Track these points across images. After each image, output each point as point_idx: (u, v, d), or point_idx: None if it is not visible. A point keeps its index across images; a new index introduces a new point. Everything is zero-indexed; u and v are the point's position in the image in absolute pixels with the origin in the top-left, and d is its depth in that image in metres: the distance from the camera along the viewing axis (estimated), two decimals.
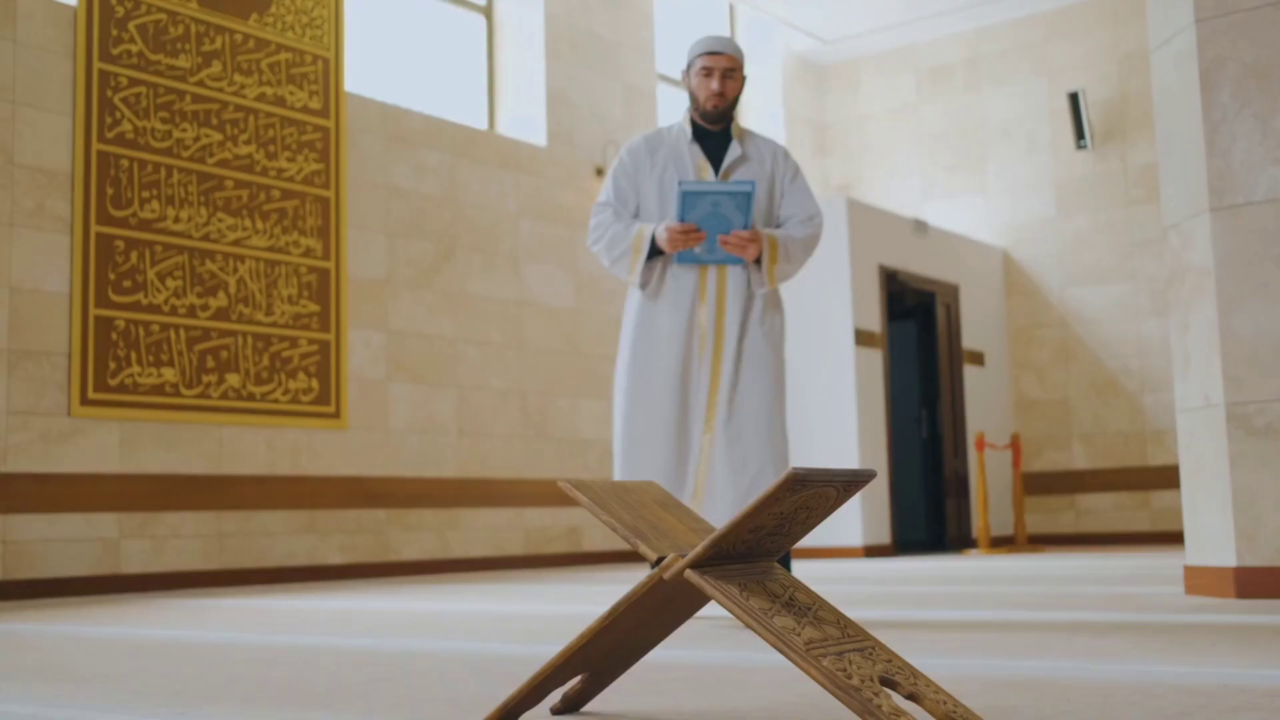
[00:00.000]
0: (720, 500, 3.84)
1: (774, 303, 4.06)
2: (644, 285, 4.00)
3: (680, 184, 3.78)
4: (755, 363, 3.94)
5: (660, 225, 3.92)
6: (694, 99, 4.02)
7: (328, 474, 7.82)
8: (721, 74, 3.96)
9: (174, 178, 7.19)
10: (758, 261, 3.96)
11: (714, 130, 4.07)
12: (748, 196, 3.76)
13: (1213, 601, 4.29)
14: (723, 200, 3.73)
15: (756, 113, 12.10)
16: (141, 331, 6.95)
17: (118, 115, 6.98)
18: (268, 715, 2.21)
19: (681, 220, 3.83)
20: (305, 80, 7.92)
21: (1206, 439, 4.57)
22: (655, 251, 3.97)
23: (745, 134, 4.12)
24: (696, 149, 4.05)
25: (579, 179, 9.76)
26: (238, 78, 7.57)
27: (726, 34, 4.24)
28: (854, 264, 10.12)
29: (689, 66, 4.02)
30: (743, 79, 4.05)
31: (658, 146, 4.08)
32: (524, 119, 9.59)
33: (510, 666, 2.83)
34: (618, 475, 3.94)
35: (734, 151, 4.04)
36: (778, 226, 4.09)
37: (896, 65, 12.42)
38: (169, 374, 7.05)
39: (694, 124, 4.07)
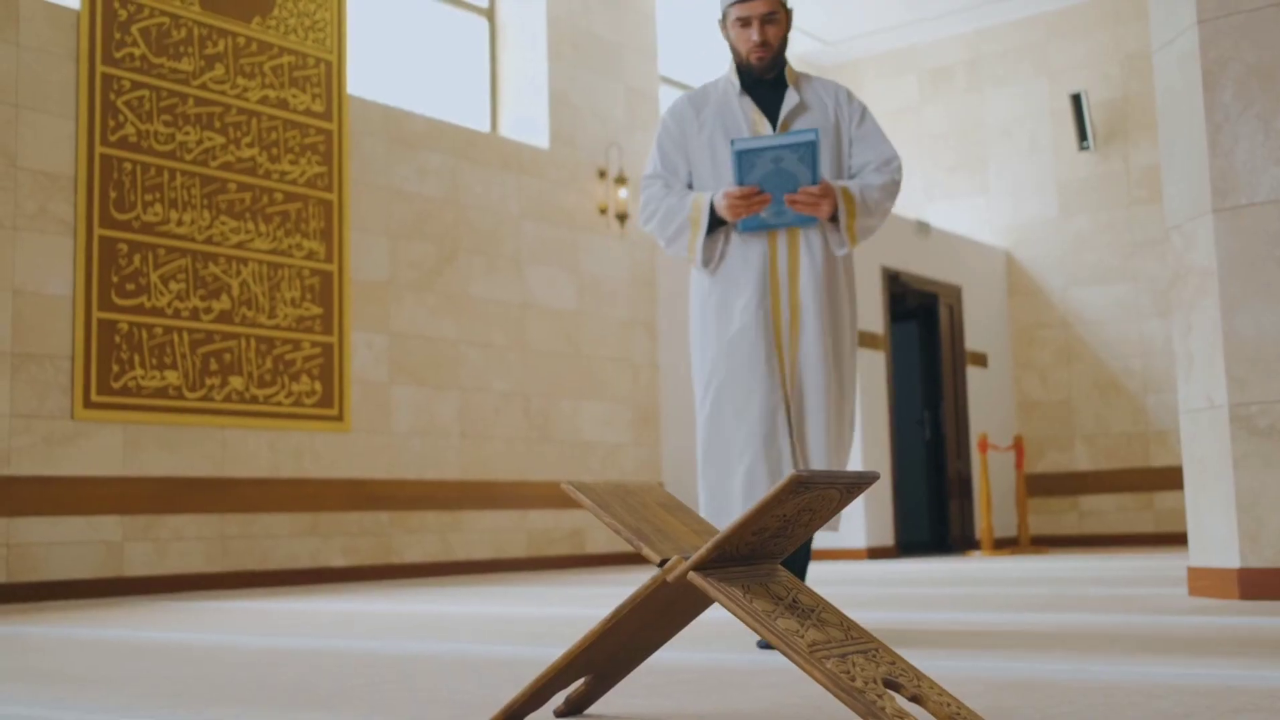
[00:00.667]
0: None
1: (850, 266, 3.59)
2: (707, 263, 3.48)
3: (733, 143, 3.27)
4: (835, 336, 3.47)
5: (718, 192, 3.42)
6: (735, 53, 3.54)
7: (330, 476, 7.83)
8: (761, 21, 3.45)
9: (177, 181, 7.19)
10: (835, 220, 3.44)
11: (765, 79, 3.57)
12: (812, 147, 3.24)
13: (1216, 603, 4.29)
14: (784, 155, 3.23)
15: None
16: (144, 334, 6.96)
17: (120, 118, 6.98)
18: (270, 717, 2.21)
19: (740, 184, 3.31)
20: (308, 83, 7.93)
21: (1210, 440, 4.56)
22: (717, 222, 3.46)
23: (801, 79, 3.61)
24: (748, 101, 3.55)
25: (581, 181, 9.76)
26: (240, 81, 7.58)
27: None
28: (856, 265, 10.12)
29: (723, 17, 3.54)
30: (787, 18, 3.52)
31: (703, 104, 3.59)
32: (526, 121, 9.59)
33: (513, 669, 2.83)
34: (702, 482, 3.46)
35: (791, 100, 3.54)
36: (850, 178, 3.57)
37: (898, 66, 12.42)
38: (172, 377, 7.05)
39: (741, 76, 3.57)
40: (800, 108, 3.55)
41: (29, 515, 6.43)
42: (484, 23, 9.69)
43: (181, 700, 2.48)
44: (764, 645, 3.08)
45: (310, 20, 7.99)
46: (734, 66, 3.57)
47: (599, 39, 10.06)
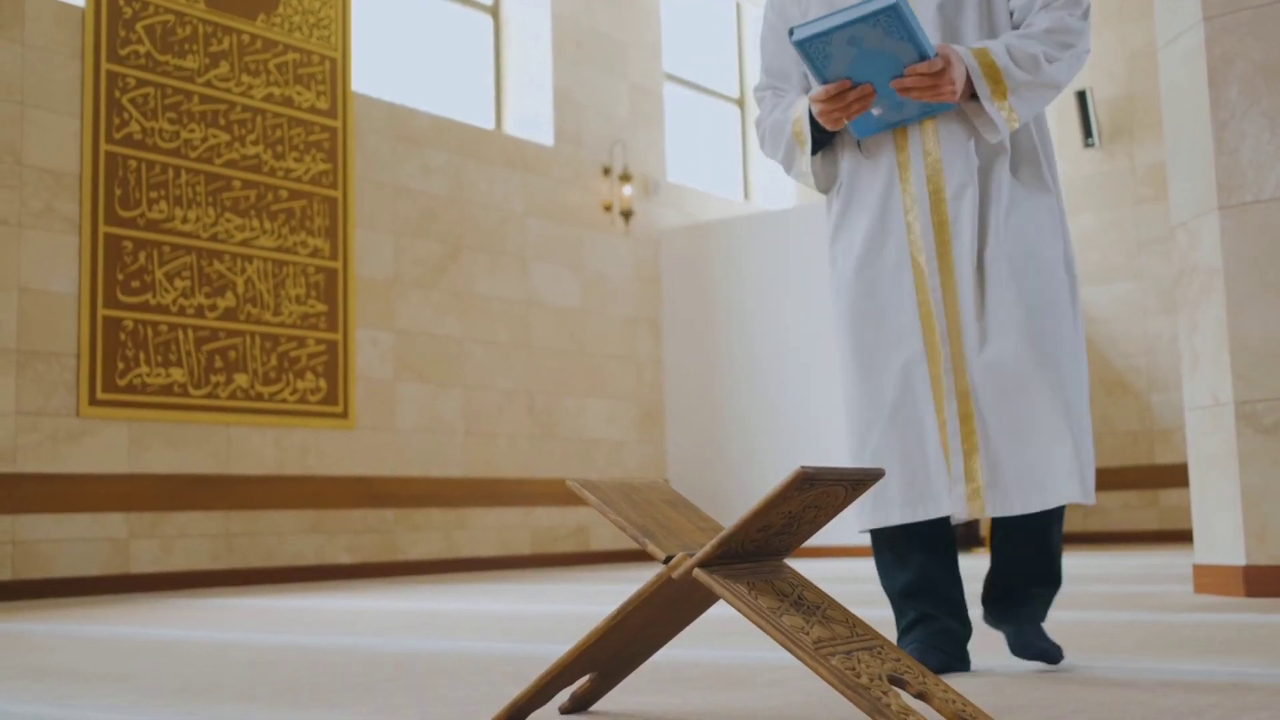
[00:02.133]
0: (1004, 492, 2.43)
1: (1032, 160, 2.55)
2: (827, 188, 2.66)
3: (791, 31, 2.34)
4: (1011, 261, 2.46)
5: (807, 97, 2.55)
6: None
7: (335, 474, 7.83)
8: None
9: (182, 178, 7.20)
10: (976, 99, 2.45)
11: None
12: (893, 11, 2.26)
13: (1222, 600, 4.28)
14: (862, 32, 2.29)
15: None
16: (150, 332, 6.96)
17: (125, 116, 6.98)
18: (275, 714, 2.21)
19: (822, 80, 2.41)
20: (312, 80, 7.93)
21: (1215, 437, 4.56)
22: (828, 135, 2.60)
23: None
24: None
25: (586, 178, 9.76)
26: (245, 78, 7.58)
27: None
28: None
29: None
30: None
31: None
32: (531, 119, 9.59)
33: (518, 666, 2.83)
34: (851, 460, 2.58)
35: None
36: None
37: None
38: (177, 374, 7.06)
39: None
40: None
41: (35, 513, 6.44)
42: (488, 20, 9.69)
43: (186, 697, 2.48)
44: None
45: (315, 17, 7.99)
46: None
47: (603, 36, 10.06)
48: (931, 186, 2.48)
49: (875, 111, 2.45)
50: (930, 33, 2.51)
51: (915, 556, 2.56)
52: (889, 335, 2.50)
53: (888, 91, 2.39)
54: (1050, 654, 2.50)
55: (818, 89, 2.42)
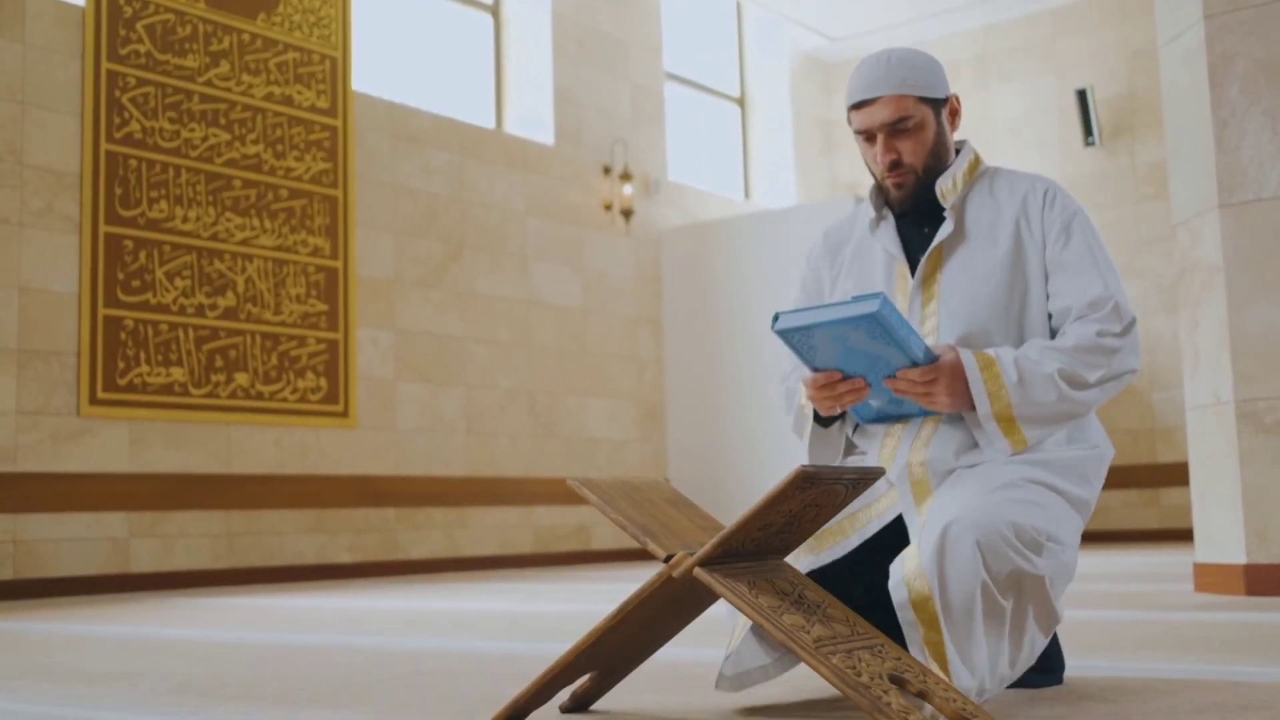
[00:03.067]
0: None
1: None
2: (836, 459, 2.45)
3: (775, 318, 2.14)
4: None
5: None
6: (870, 172, 2.42)
7: (336, 473, 7.83)
8: (887, 134, 2.30)
9: (182, 177, 7.19)
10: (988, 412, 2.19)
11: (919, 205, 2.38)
12: (872, 320, 2.05)
13: (1222, 599, 4.28)
14: (844, 333, 2.11)
15: (763, 112, 12.09)
16: (150, 331, 6.96)
17: (126, 115, 6.98)
18: (277, 713, 2.21)
19: (812, 369, 2.21)
20: (313, 79, 7.93)
21: (1216, 436, 4.55)
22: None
23: (975, 189, 2.38)
24: (887, 231, 2.39)
25: (586, 178, 9.76)
26: (245, 77, 7.58)
27: (883, 57, 2.32)
28: None
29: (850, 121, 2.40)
30: (935, 115, 2.32)
31: (843, 243, 2.51)
32: (531, 118, 9.59)
33: (519, 665, 2.83)
34: None
35: (945, 229, 2.33)
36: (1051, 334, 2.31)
37: None
38: (177, 373, 7.05)
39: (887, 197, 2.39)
40: (958, 238, 2.33)
41: (35, 512, 6.44)
42: (489, 19, 9.68)
43: (187, 696, 2.48)
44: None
45: (315, 16, 7.99)
46: (874, 187, 2.42)
47: (604, 35, 10.05)
48: (913, 478, 2.21)
49: (874, 403, 2.26)
50: (950, 328, 2.28)
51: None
52: None
53: (883, 388, 2.18)
54: (1032, 681, 2.25)
55: (808, 374, 2.23)
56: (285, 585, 7.10)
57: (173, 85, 7.21)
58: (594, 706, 2.11)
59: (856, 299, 2.07)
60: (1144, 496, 10.98)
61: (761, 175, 11.90)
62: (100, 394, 6.71)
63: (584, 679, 2.06)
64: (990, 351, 2.19)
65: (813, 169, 12.10)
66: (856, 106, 2.31)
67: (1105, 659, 2.67)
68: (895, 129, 2.28)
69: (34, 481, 6.44)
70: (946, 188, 2.33)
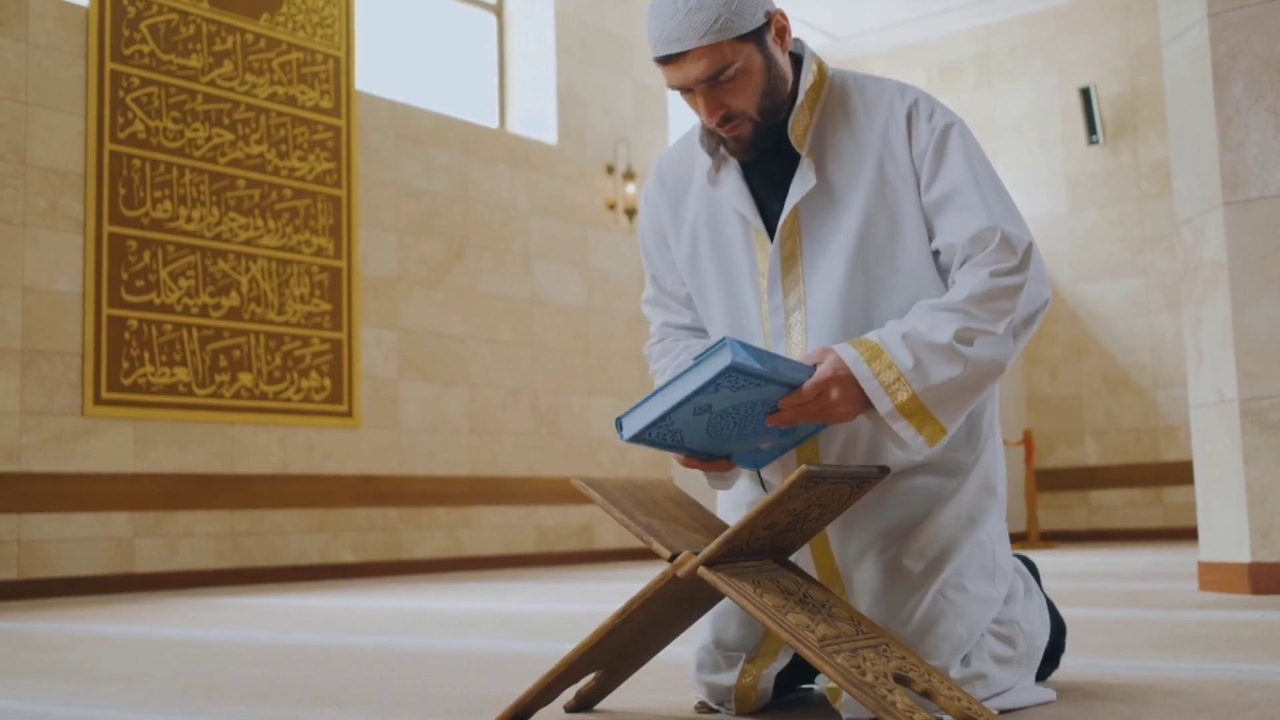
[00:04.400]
0: None
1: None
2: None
3: (619, 425, 1.83)
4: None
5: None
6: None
7: (340, 473, 7.84)
8: (706, 88, 1.93)
9: (186, 177, 7.20)
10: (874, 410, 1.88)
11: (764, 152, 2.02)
12: (729, 373, 1.73)
13: (1227, 598, 4.28)
14: (706, 400, 1.79)
15: None
16: (154, 331, 6.97)
17: (130, 115, 6.99)
18: (281, 713, 2.21)
19: (685, 453, 1.91)
20: (316, 79, 7.93)
21: (1220, 434, 4.55)
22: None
23: (825, 116, 2.01)
24: (732, 184, 2.04)
25: (590, 177, 9.76)
26: (249, 77, 7.58)
27: (681, 5, 1.85)
28: None
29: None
30: (756, 52, 1.92)
31: (684, 188, 2.13)
32: (535, 117, 9.59)
33: (523, 664, 2.83)
34: None
35: (803, 182, 1.98)
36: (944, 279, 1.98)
37: (907, 62, 12.40)
38: (182, 373, 7.06)
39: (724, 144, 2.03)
40: (820, 190, 1.99)
41: (40, 512, 6.44)
42: (492, 19, 9.69)
43: (191, 696, 2.48)
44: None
45: (319, 17, 7.99)
46: (702, 125, 2.05)
47: (607, 35, 10.05)
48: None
49: (764, 445, 1.92)
50: (825, 309, 1.97)
51: None
52: None
53: (767, 430, 1.87)
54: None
55: (678, 455, 1.93)
56: (289, 585, 7.10)
57: (176, 85, 7.22)
58: (598, 706, 2.12)
59: (699, 359, 1.74)
60: (1148, 495, 10.97)
61: None
62: (104, 394, 6.72)
63: (588, 678, 2.06)
64: (872, 336, 1.86)
65: None
66: (664, 61, 1.92)
67: (1109, 658, 2.67)
68: (715, 82, 1.92)
69: (38, 481, 6.44)
70: (798, 128, 1.98)
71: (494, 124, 9.50)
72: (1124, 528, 11.04)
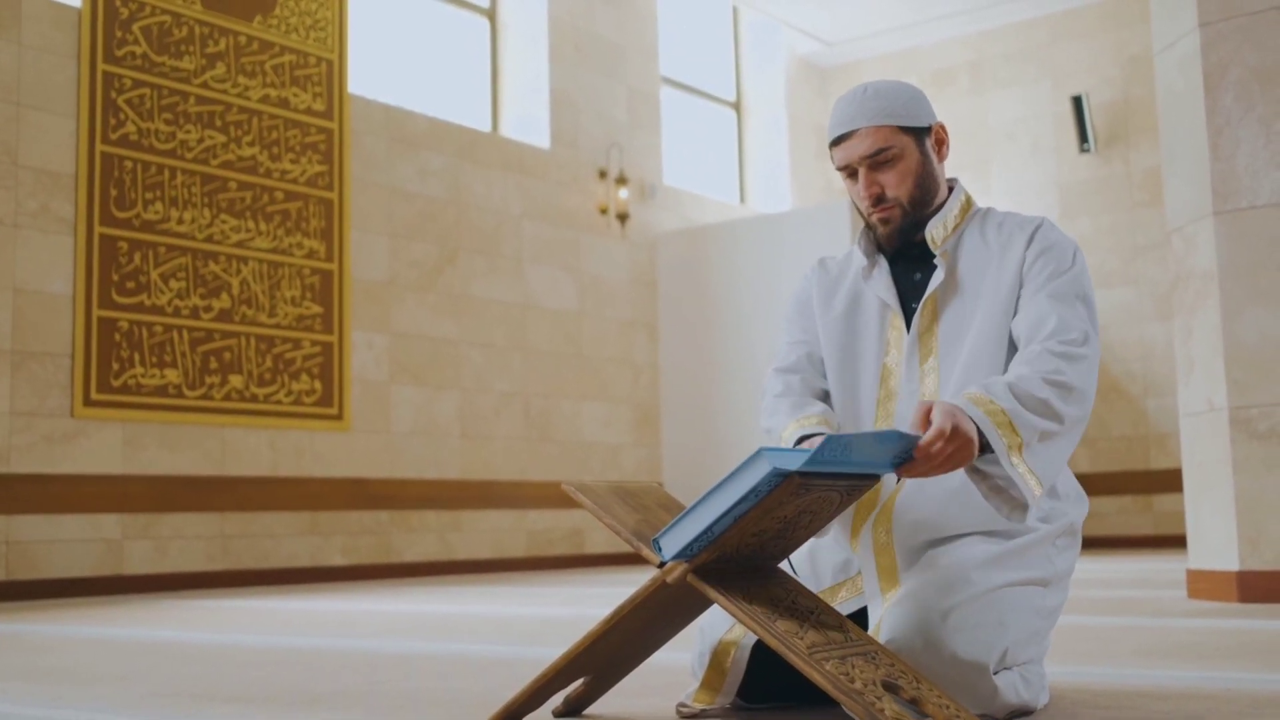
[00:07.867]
0: None
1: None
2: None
3: (655, 546, 1.82)
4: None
5: None
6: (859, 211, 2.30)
7: (330, 475, 7.83)
8: (869, 166, 2.19)
9: (177, 179, 7.19)
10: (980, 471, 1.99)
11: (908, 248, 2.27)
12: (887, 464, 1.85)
13: (1216, 606, 4.29)
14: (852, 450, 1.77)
15: (758, 116, 12.10)
16: (144, 333, 6.95)
17: (121, 117, 6.98)
18: (270, 716, 2.21)
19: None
20: (309, 82, 7.93)
21: (1210, 443, 4.56)
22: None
23: (965, 231, 2.25)
24: (881, 279, 2.26)
25: (582, 181, 9.76)
26: (241, 80, 7.57)
27: (860, 90, 2.23)
28: None
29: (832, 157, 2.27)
30: (914, 145, 2.21)
31: (838, 281, 2.36)
32: (527, 121, 9.59)
33: (512, 669, 2.82)
34: None
35: (937, 277, 2.21)
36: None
37: (900, 68, 12.42)
38: (172, 375, 7.05)
39: (877, 239, 2.28)
40: (951, 287, 2.21)
41: (29, 513, 6.43)
42: (485, 23, 9.69)
43: (180, 699, 2.48)
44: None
45: (311, 19, 7.99)
46: (863, 230, 2.30)
47: (600, 39, 10.06)
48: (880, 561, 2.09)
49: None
50: (949, 385, 2.16)
51: None
52: None
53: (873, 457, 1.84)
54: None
55: (789, 429, 2.18)
56: (279, 588, 7.09)
57: (169, 87, 7.21)
58: (588, 711, 2.11)
59: (737, 468, 1.74)
60: (1138, 503, 10.99)
61: (757, 180, 11.90)
62: (94, 395, 6.71)
63: (578, 683, 2.06)
64: (971, 390, 1.98)
65: (808, 173, 12.11)
66: (836, 143, 2.21)
67: (1098, 665, 2.67)
68: (875, 161, 2.18)
69: (28, 483, 6.43)
70: (937, 233, 2.22)
71: (487, 128, 9.50)
72: (1114, 535, 11.05)
